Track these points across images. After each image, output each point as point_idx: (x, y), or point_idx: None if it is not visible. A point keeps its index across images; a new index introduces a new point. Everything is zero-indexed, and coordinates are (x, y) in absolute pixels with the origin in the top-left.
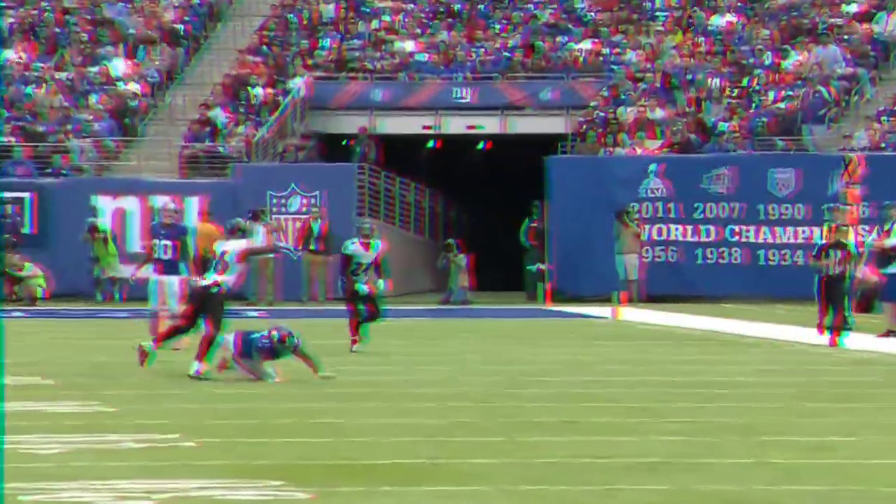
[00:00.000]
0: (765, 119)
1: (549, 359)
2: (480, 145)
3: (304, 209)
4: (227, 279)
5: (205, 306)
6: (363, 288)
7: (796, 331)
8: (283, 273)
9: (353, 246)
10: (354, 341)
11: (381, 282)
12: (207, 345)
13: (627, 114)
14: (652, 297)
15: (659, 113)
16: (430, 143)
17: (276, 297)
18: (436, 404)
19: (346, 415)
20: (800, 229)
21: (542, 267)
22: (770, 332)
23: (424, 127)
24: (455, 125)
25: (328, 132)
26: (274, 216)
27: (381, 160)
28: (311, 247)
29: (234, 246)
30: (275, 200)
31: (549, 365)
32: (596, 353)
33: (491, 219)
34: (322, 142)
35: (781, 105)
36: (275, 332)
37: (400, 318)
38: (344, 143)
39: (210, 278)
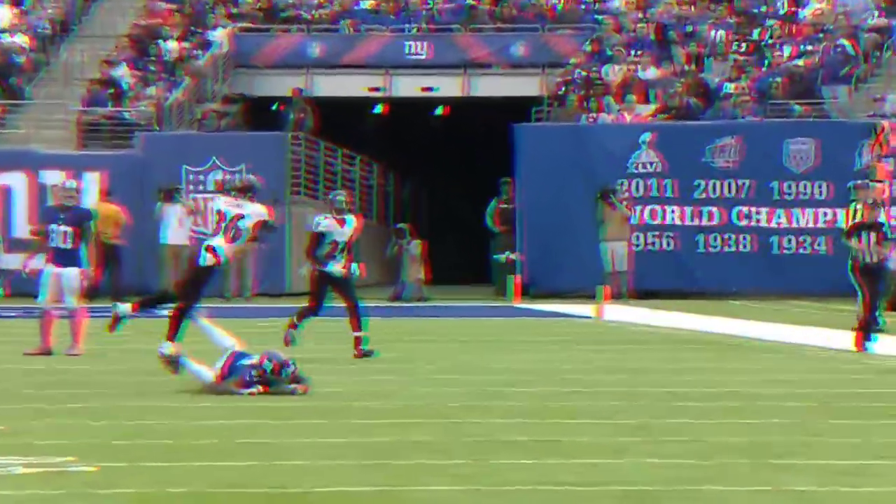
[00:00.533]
0: (778, 79)
1: (521, 367)
2: (438, 111)
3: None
4: (229, 249)
5: (200, 277)
6: (337, 270)
7: (815, 333)
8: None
9: (325, 222)
10: (293, 324)
11: (355, 266)
12: (178, 320)
13: (614, 73)
14: (643, 293)
15: (652, 72)
16: (378, 109)
17: None
18: (385, 420)
19: (278, 433)
20: (820, 211)
21: (512, 256)
22: (784, 335)
23: (371, 89)
24: (407, 87)
25: (255, 95)
26: (190, 196)
27: (319, 128)
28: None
29: (254, 211)
30: (191, 177)
31: (521, 374)
32: (577, 359)
33: (451, 199)
34: (248, 106)
35: (798, 62)
36: (267, 362)
37: (341, 318)
38: (274, 107)
39: (213, 243)
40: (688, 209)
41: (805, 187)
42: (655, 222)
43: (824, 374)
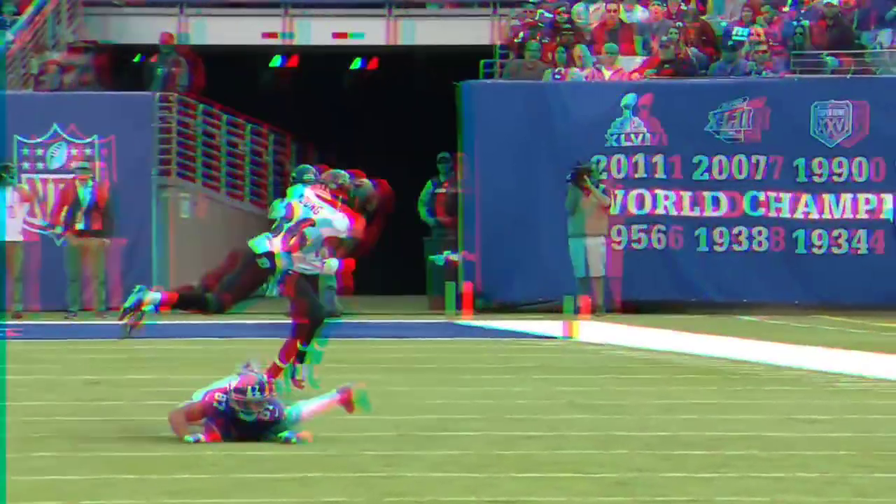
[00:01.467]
0: (806, 23)
1: (465, 403)
2: (357, 63)
3: (73, 165)
4: (284, 259)
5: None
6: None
7: (853, 358)
8: (37, 268)
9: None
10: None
11: (332, 261)
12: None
13: (589, 15)
14: (627, 305)
15: (640, 13)
16: (278, 60)
17: (26, 306)
18: (285, 475)
19: (139, 495)
20: (861, 198)
21: (454, 257)
22: (813, 361)
23: (268, 35)
24: (318, 33)
25: (112, 42)
26: (25, 177)
27: (199, 87)
28: (79, 225)
29: (332, 221)
30: (26, 151)
31: (465, 412)
32: (539, 393)
33: (375, 180)
34: (103, 58)
35: (833, 0)
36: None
37: (226, 340)
38: (138, 59)
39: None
40: (687, 195)
41: (842, 165)
42: (644, 212)
43: (865, 414)
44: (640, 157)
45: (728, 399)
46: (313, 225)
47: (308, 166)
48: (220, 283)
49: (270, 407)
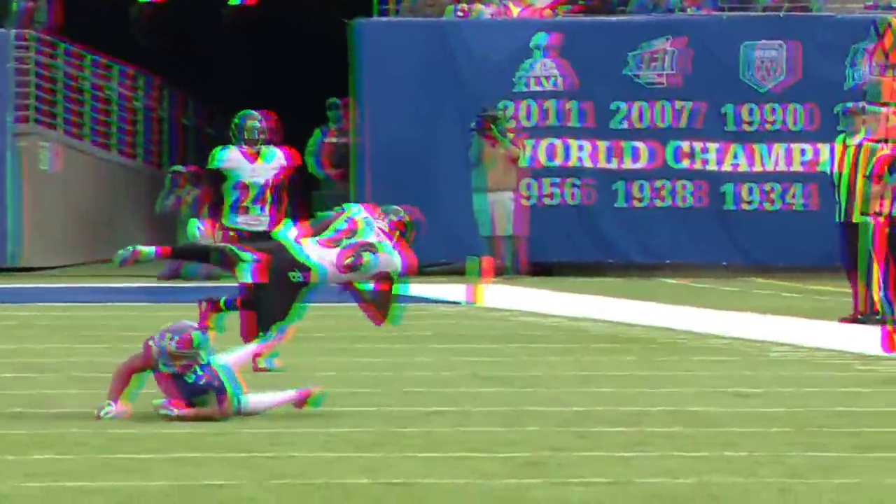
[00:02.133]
0: None
1: (357, 375)
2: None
3: None
4: (332, 274)
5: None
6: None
7: (790, 325)
8: None
9: (229, 154)
10: (259, 357)
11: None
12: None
13: None
14: (540, 267)
15: None
16: None
17: None
18: (157, 455)
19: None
20: (796, 148)
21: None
22: (743, 328)
23: None
24: None
25: None
26: None
27: (61, 24)
28: None
29: (388, 254)
30: None
31: (357, 385)
32: (440, 364)
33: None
34: None
35: None
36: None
37: (82, 306)
38: None
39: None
40: (603, 145)
41: (774, 113)
42: (556, 164)
43: (800, 387)
44: (551, 104)
45: (649, 370)
46: (375, 252)
47: (251, 111)
48: (261, 320)
49: (199, 371)
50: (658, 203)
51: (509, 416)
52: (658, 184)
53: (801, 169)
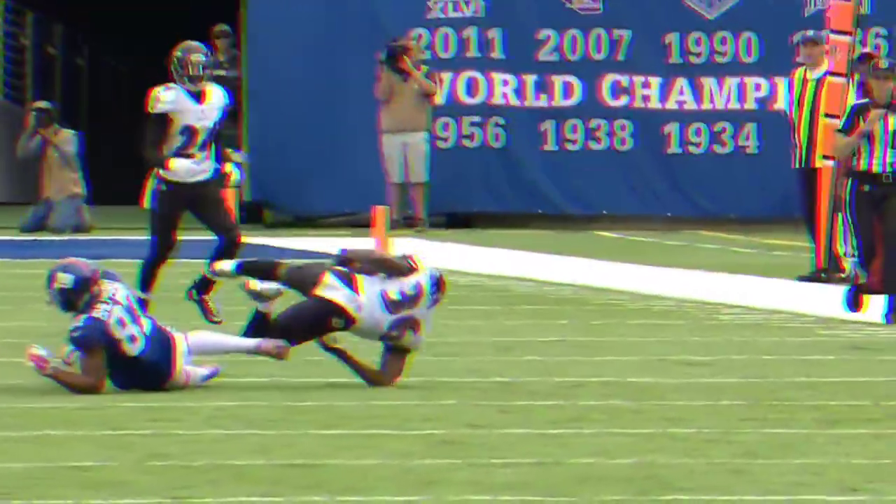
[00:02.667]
0: None
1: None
2: None
3: None
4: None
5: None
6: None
7: (743, 284)
8: None
9: (174, 95)
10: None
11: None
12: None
13: None
14: (459, 218)
15: None
16: None
17: None
18: (19, 433)
19: None
20: (749, 83)
21: (239, 157)
22: (691, 288)
23: None
24: None
25: None
26: None
27: None
28: None
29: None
30: None
31: (244, 360)
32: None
33: (135, 63)
34: None
35: None
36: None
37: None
38: None
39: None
40: (531, 79)
41: (725, 43)
42: (477, 101)
43: (754, 354)
44: (471, 32)
45: (584, 336)
46: (417, 332)
47: (193, 43)
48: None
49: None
50: (593, 146)
51: (422, 387)
52: (593, 124)
53: (755, 107)
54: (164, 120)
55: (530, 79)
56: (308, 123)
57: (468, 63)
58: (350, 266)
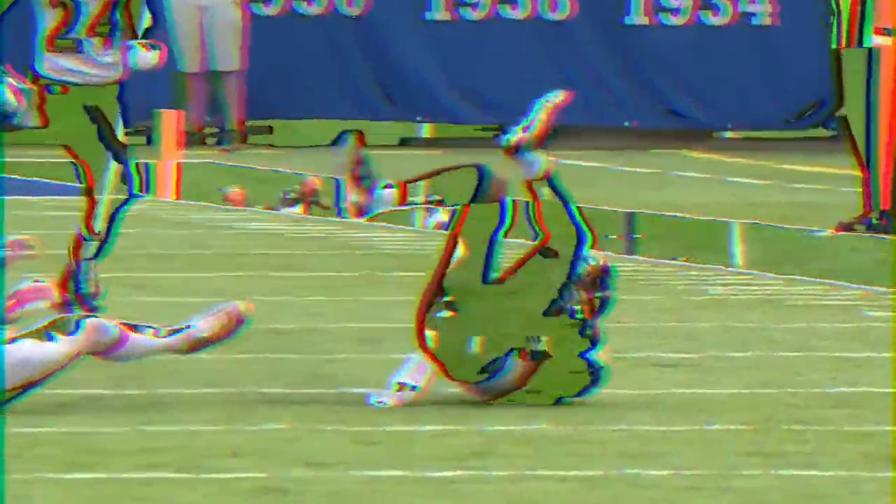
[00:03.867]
0: None
1: None
2: None
3: None
4: None
5: None
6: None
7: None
8: None
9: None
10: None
11: (155, 54)
12: None
13: None
14: (267, 129)
15: None
16: None
17: None
18: None
19: None
20: None
21: None
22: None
23: None
24: None
25: None
26: None
27: None
28: None
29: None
30: None
31: None
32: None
33: None
34: None
35: None
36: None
37: None
38: None
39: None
40: None
41: None
42: None
43: (764, 349)
44: None
45: None
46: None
47: None
48: None
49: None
50: (506, 12)
51: (204, 376)
52: None
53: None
54: None
55: None
56: None
57: None
58: None
